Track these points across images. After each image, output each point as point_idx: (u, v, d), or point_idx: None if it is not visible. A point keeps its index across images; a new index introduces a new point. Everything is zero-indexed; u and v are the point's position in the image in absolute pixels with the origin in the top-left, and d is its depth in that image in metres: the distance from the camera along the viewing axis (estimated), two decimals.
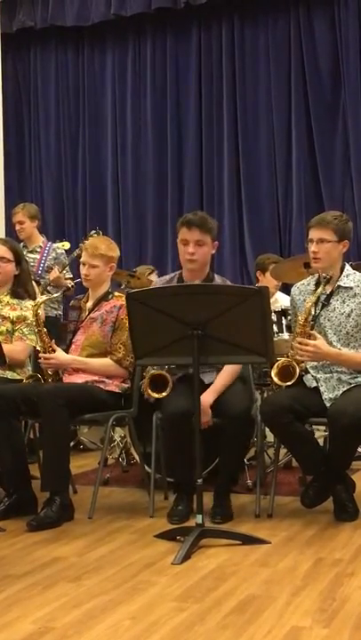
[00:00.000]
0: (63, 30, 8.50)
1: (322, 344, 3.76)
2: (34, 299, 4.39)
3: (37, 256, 6.17)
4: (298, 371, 3.81)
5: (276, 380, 3.83)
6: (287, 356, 3.90)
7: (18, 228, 6.25)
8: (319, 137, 7.57)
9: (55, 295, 4.81)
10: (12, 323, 4.28)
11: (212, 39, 8.03)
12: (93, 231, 5.87)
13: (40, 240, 6.32)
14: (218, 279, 4.14)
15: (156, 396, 3.90)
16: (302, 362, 3.83)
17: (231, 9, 7.90)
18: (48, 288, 5.96)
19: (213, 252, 4.08)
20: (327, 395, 3.80)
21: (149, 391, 3.92)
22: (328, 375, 3.84)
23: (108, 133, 8.44)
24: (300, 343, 3.75)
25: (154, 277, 6.40)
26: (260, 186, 7.81)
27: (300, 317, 3.85)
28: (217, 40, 8.01)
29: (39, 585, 3.02)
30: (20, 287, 4.39)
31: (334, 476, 3.85)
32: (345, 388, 3.79)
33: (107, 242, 4.40)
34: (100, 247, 4.26)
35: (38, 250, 6.21)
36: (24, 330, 4.27)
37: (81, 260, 4.34)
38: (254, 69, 7.88)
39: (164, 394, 3.87)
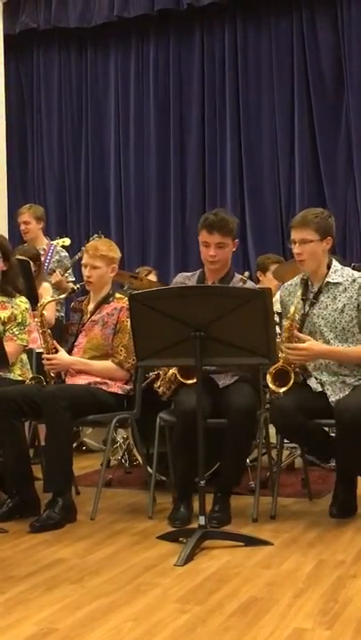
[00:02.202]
0: (66, 32, 8.50)
1: (313, 344, 3.77)
2: (24, 295, 4.36)
3: (41, 258, 6.16)
4: (292, 375, 3.81)
5: (272, 387, 3.83)
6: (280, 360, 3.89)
7: (23, 228, 6.22)
8: (322, 137, 7.57)
9: (61, 297, 4.80)
10: (3, 323, 4.24)
11: (215, 40, 8.03)
12: (96, 235, 5.86)
13: (44, 242, 6.30)
14: (238, 277, 4.14)
15: (189, 382, 3.88)
16: (295, 363, 3.84)
17: (234, 10, 7.89)
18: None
19: (234, 249, 4.10)
20: (333, 397, 3.80)
21: (180, 377, 3.91)
22: (333, 378, 3.84)
23: (111, 134, 8.44)
24: (292, 349, 3.74)
25: (152, 277, 6.40)
26: (262, 186, 7.81)
27: (285, 323, 3.85)
28: (220, 41, 8.01)
29: (41, 586, 3.02)
30: (9, 284, 4.31)
31: (346, 484, 3.86)
32: (350, 389, 3.80)
33: (108, 243, 4.41)
34: (101, 248, 4.26)
35: (42, 252, 6.20)
36: (15, 330, 4.24)
37: (82, 262, 4.34)
38: (257, 70, 7.88)
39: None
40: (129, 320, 4.13)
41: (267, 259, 5.94)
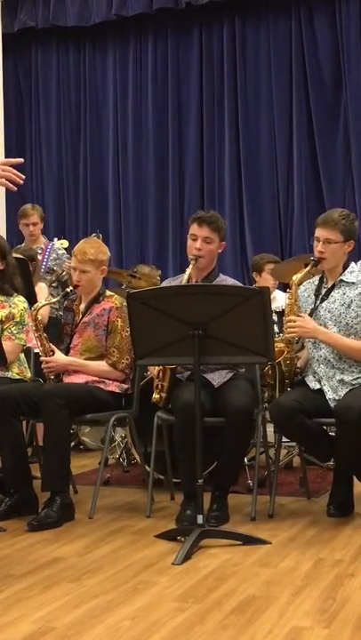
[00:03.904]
0: (64, 30, 8.49)
1: (309, 320, 3.85)
2: (22, 294, 4.35)
3: (39, 257, 6.15)
4: (285, 352, 3.88)
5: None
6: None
7: (32, 229, 6.20)
8: (320, 136, 7.56)
9: (53, 300, 4.75)
10: (1, 322, 4.24)
11: (214, 39, 8.01)
12: (94, 234, 5.85)
13: (42, 241, 6.30)
14: (223, 277, 4.15)
15: (172, 365, 3.90)
16: (292, 340, 3.91)
17: (232, 9, 7.88)
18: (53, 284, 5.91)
19: (220, 251, 4.12)
20: (331, 395, 3.81)
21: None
22: (331, 373, 3.84)
23: (110, 133, 8.43)
24: (288, 321, 3.83)
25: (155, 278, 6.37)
26: (261, 186, 7.80)
27: (287, 302, 3.95)
28: (218, 40, 7.99)
29: (40, 585, 3.02)
30: (6, 283, 4.30)
31: (344, 483, 3.88)
32: (348, 389, 3.80)
33: (96, 245, 4.33)
34: (89, 252, 4.21)
35: (39, 251, 6.19)
36: (13, 329, 4.23)
37: (71, 265, 4.32)
38: (255, 69, 7.87)
39: None
40: (119, 320, 4.15)
41: (261, 259, 5.92)
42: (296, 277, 3.95)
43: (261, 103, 7.82)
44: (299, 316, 3.88)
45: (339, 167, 7.53)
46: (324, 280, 4.00)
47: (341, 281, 3.92)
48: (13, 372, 4.27)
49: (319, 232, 3.90)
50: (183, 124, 8.13)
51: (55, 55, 8.72)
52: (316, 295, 3.96)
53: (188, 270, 4.04)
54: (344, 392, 3.79)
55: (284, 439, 4.16)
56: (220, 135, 7.95)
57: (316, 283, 4.02)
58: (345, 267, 3.96)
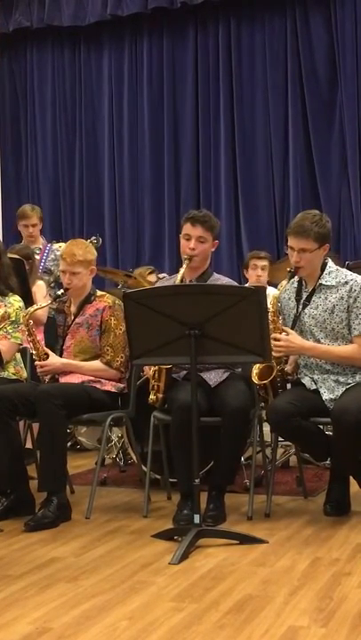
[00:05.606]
0: (59, 30, 8.49)
1: (294, 337, 3.81)
2: (18, 294, 4.34)
3: (37, 257, 6.14)
4: (275, 371, 3.85)
5: (256, 380, 3.85)
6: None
7: (31, 230, 6.18)
8: (316, 136, 7.58)
9: (43, 305, 4.71)
10: None
11: (209, 38, 8.02)
12: (93, 237, 5.83)
13: (40, 242, 6.29)
14: (217, 277, 4.15)
15: (168, 366, 3.90)
16: (280, 358, 3.87)
17: (227, 8, 7.89)
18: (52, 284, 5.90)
19: (213, 249, 4.12)
20: (327, 395, 3.80)
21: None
22: (325, 376, 3.84)
23: (105, 133, 8.43)
24: (274, 339, 3.77)
25: (153, 278, 6.38)
26: (257, 185, 7.81)
27: (269, 314, 3.85)
28: (214, 39, 8.00)
29: (37, 585, 3.02)
30: (1, 283, 4.29)
31: (341, 482, 3.88)
32: (344, 389, 3.80)
33: (82, 246, 4.32)
34: (78, 253, 4.20)
35: (38, 252, 6.19)
36: (8, 328, 4.23)
37: (60, 268, 4.30)
38: (251, 68, 7.88)
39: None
40: (112, 318, 4.16)
41: (249, 257, 5.92)
42: (277, 293, 3.93)
43: (257, 103, 7.83)
44: (283, 331, 3.83)
45: (334, 166, 7.55)
46: (304, 283, 3.93)
47: (321, 285, 3.86)
48: (9, 372, 4.27)
49: (292, 242, 3.81)
50: (179, 123, 8.13)
51: (50, 55, 8.71)
52: (298, 299, 3.91)
53: (182, 270, 4.04)
54: (341, 391, 3.78)
55: (280, 438, 4.16)
56: (215, 135, 7.95)
57: (296, 285, 3.95)
58: (323, 267, 3.88)
